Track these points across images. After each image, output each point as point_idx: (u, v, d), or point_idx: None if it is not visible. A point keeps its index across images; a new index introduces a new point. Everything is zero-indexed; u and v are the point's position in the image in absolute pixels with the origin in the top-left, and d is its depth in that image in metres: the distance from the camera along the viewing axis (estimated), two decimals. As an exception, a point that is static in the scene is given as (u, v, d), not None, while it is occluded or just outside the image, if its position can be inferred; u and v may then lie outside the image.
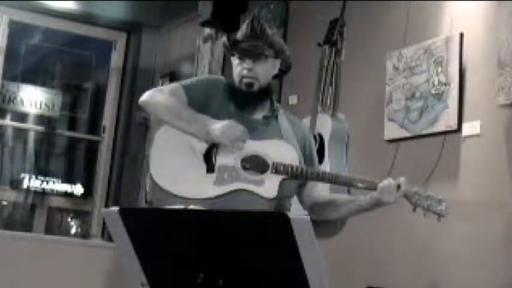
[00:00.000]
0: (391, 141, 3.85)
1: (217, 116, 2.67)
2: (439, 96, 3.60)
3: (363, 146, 4.04)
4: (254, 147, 2.64)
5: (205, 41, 5.66)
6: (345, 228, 4.08)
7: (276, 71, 2.79)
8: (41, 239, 5.45)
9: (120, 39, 6.46)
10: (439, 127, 3.57)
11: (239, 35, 2.74)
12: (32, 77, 7.89)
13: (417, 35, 3.81)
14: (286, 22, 4.86)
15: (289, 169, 2.60)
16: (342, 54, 4.16)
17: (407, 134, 3.76)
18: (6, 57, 6.06)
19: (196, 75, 5.77)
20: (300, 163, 2.66)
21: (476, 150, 3.41)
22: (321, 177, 2.67)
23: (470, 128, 3.44)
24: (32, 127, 7.84)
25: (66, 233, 8.59)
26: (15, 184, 8.01)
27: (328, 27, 4.18)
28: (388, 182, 2.58)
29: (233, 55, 2.74)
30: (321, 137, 4.04)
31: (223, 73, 5.37)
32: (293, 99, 4.63)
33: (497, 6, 3.37)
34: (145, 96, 2.76)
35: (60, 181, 8.08)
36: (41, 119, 7.56)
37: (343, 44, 4.15)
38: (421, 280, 3.53)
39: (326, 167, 3.94)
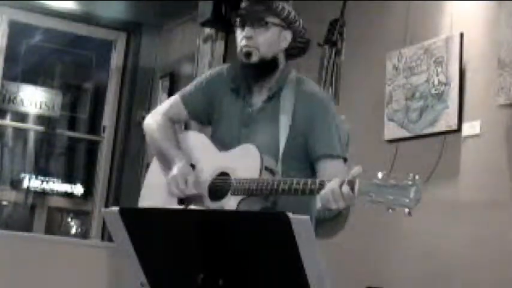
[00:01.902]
0: (391, 141, 3.85)
1: (221, 113, 2.57)
2: (439, 96, 3.60)
3: (363, 146, 4.04)
4: (223, 162, 2.44)
5: (205, 41, 5.66)
6: (345, 228, 4.08)
7: (285, 44, 2.51)
8: (41, 239, 5.45)
9: (120, 39, 6.46)
10: (439, 127, 3.57)
11: (242, 4, 2.51)
12: (32, 77, 7.89)
13: (417, 35, 3.81)
14: (286, 22, 4.85)
15: (247, 186, 2.31)
16: (342, 54, 4.15)
17: (407, 134, 3.76)
18: (6, 57, 6.06)
19: (196, 76, 5.76)
20: (262, 170, 2.32)
21: (476, 150, 3.41)
22: (276, 190, 2.27)
23: (470, 128, 3.44)
24: (32, 127, 7.84)
25: (66, 233, 8.59)
26: (15, 184, 8.01)
27: (328, 27, 4.18)
28: (330, 187, 2.15)
29: (236, 26, 2.51)
30: (321, 137, 4.04)
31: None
32: (293, 99, 4.63)
33: (497, 6, 3.37)
34: (144, 123, 2.69)
35: (60, 181, 8.08)
36: (41, 119, 7.56)
37: (343, 44, 4.15)
38: (421, 280, 3.53)
39: (326, 167, 3.94)
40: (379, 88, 3.95)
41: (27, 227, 7.80)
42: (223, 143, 2.53)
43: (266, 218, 1.87)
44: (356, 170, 2.14)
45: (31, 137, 8.18)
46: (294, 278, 1.79)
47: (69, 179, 8.20)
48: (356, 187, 2.10)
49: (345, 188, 2.12)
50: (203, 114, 2.65)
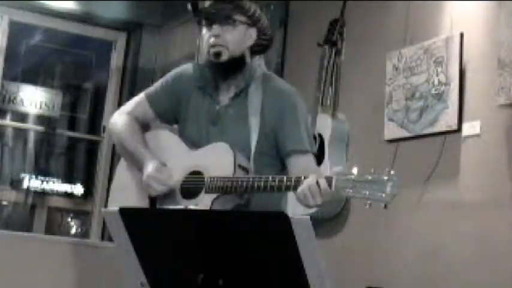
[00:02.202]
0: (391, 141, 3.85)
1: (188, 112, 2.55)
2: (439, 96, 3.59)
3: (363, 146, 4.04)
4: (195, 160, 2.44)
5: (205, 41, 5.65)
6: (345, 228, 4.09)
7: (251, 42, 2.52)
8: (41, 239, 5.45)
9: (120, 39, 6.45)
10: (439, 127, 3.57)
11: (206, 3, 2.54)
12: (32, 77, 7.88)
13: (417, 35, 3.81)
14: (286, 22, 4.86)
15: (221, 184, 2.32)
16: (342, 54, 4.16)
17: (407, 134, 3.76)
18: (6, 57, 6.05)
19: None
20: (236, 168, 2.34)
21: (476, 150, 3.41)
22: (251, 188, 2.29)
23: (470, 128, 3.44)
24: (32, 127, 7.83)
25: (66, 233, 8.59)
26: (15, 184, 8.01)
27: (328, 27, 4.18)
28: (306, 185, 2.18)
29: (202, 25, 2.52)
30: (321, 137, 4.04)
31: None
32: (293, 99, 4.62)
33: (497, 6, 3.37)
34: (110, 122, 2.68)
35: (60, 181, 8.08)
36: (41, 119, 7.56)
37: (343, 44, 4.15)
38: (421, 280, 3.53)
39: (326, 167, 3.94)
40: (379, 88, 3.95)
41: (27, 227, 7.80)
42: (191, 142, 2.53)
43: (266, 218, 1.87)
44: (336, 169, 2.14)
45: (31, 137, 8.17)
46: (294, 278, 1.79)
47: (69, 179, 8.20)
48: (333, 183, 2.14)
49: (323, 184, 2.15)
50: (169, 113, 2.62)
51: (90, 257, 4.43)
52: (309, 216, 1.79)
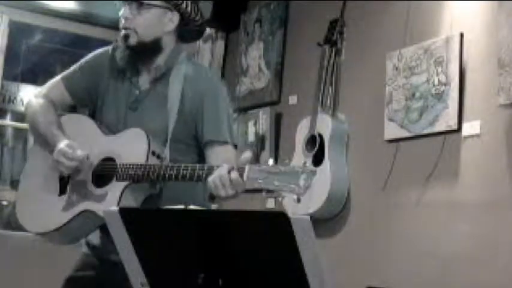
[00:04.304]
0: (391, 141, 3.85)
1: (106, 95, 2.44)
2: (439, 96, 3.59)
3: (363, 146, 4.04)
4: (109, 146, 2.33)
5: (205, 41, 5.65)
6: (345, 228, 4.09)
7: (171, 27, 2.41)
8: (41, 239, 5.44)
9: (120, 39, 6.45)
10: (439, 127, 3.57)
11: None
12: (32, 77, 7.88)
13: (417, 35, 3.81)
14: (286, 22, 4.86)
15: (133, 172, 2.21)
16: (342, 54, 4.16)
17: (407, 134, 3.76)
18: (6, 57, 6.05)
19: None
20: (149, 155, 2.23)
21: (476, 150, 3.41)
22: (163, 176, 2.20)
23: (470, 128, 3.44)
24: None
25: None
26: (15, 184, 8.00)
27: (328, 27, 4.18)
28: (218, 174, 2.11)
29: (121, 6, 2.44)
30: (321, 137, 4.04)
31: (223, 74, 5.37)
32: (293, 99, 4.63)
33: (497, 6, 3.37)
34: (26, 104, 2.54)
35: (60, 181, 8.07)
36: (41, 119, 7.55)
37: (343, 44, 4.15)
38: (421, 280, 3.53)
39: (326, 167, 3.94)
40: (379, 88, 3.95)
41: (27, 227, 7.80)
42: (109, 127, 2.43)
43: (266, 218, 1.87)
44: (246, 155, 2.09)
45: (31, 137, 8.17)
46: (294, 278, 1.79)
47: (69, 179, 8.19)
48: (245, 173, 2.05)
49: (234, 174, 2.07)
50: (87, 97, 2.51)
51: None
52: (309, 216, 1.78)
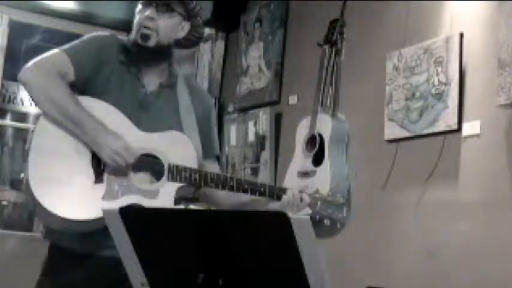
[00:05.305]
0: (391, 141, 3.86)
1: (107, 88, 2.34)
2: (439, 96, 3.60)
3: (363, 146, 4.04)
4: (150, 143, 2.31)
5: (205, 41, 5.66)
6: (345, 229, 4.08)
7: (182, 34, 2.45)
8: (41, 239, 5.45)
9: (120, 39, 6.45)
10: (439, 127, 3.57)
11: None
12: (32, 77, 7.87)
13: (417, 35, 3.81)
14: (286, 22, 4.86)
15: (188, 175, 2.29)
16: (342, 54, 4.15)
17: (407, 134, 3.76)
18: (6, 57, 6.05)
19: (196, 76, 5.76)
20: (198, 162, 2.35)
21: (476, 150, 3.41)
22: (223, 185, 2.32)
23: (470, 128, 3.44)
24: (32, 127, 7.81)
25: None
26: (15, 184, 8.01)
27: (328, 27, 4.18)
28: (291, 194, 2.38)
29: (140, 1, 2.42)
30: (321, 137, 4.04)
31: (223, 75, 5.38)
32: (293, 99, 4.63)
33: (497, 6, 3.37)
34: (23, 74, 2.30)
35: (60, 181, 8.06)
36: (41, 119, 7.55)
37: (343, 44, 4.15)
38: (421, 280, 3.53)
39: (326, 167, 3.93)
40: (379, 88, 3.95)
41: (27, 227, 7.80)
42: None
43: (266, 218, 1.87)
44: (305, 194, 2.43)
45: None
46: (294, 278, 1.79)
47: (69, 179, 8.18)
48: (306, 199, 2.42)
49: (305, 197, 2.42)
50: (90, 76, 2.36)
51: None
52: (309, 216, 1.78)
